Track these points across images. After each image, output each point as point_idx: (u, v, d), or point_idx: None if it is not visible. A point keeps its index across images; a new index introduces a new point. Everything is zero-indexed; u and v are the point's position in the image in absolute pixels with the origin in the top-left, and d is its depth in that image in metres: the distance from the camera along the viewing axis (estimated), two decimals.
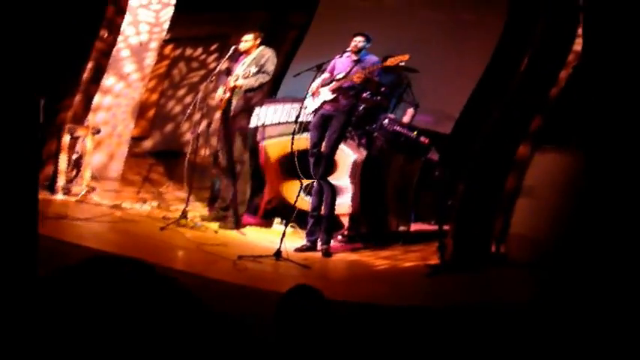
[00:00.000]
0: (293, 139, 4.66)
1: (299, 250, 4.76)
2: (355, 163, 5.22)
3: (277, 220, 5.64)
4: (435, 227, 4.97)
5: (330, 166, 5.03)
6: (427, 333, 3.14)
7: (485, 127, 4.68)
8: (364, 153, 5.27)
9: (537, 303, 3.64)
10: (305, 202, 5.11)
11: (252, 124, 5.50)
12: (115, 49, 5.68)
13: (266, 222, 5.65)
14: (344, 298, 3.49)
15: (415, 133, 5.30)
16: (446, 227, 4.61)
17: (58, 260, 2.96)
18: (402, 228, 5.30)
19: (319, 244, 4.84)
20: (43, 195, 4.83)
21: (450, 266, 4.29)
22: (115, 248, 3.85)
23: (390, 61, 4.72)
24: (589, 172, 4.23)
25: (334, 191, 4.96)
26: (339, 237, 5.19)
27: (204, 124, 6.24)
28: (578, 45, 4.52)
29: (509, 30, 5.61)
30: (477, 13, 6.20)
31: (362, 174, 5.21)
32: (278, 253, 4.30)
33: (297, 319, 2.13)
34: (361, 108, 5.18)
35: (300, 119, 4.88)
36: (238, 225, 5.15)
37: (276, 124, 5.72)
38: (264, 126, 5.72)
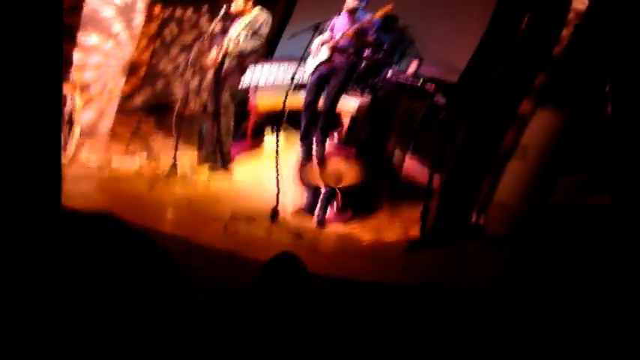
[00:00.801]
0: (287, 95, 4.52)
1: (297, 212, 4.66)
2: (361, 107, 5.12)
3: (267, 131, 5.52)
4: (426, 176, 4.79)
5: (331, 123, 4.95)
6: (401, 310, 3.18)
7: (491, 79, 4.58)
8: (369, 97, 5.19)
9: (498, 282, 3.65)
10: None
11: (245, 83, 5.41)
12: (90, 8, 5.51)
13: (256, 142, 5.57)
14: (325, 271, 3.47)
15: (421, 81, 5.24)
16: (434, 183, 4.54)
17: None
18: (397, 152, 5.09)
19: (316, 212, 4.77)
20: None
21: (428, 240, 4.33)
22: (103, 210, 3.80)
23: (377, 14, 4.68)
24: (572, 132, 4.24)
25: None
26: (334, 206, 5.08)
27: (196, 80, 6.16)
28: (578, 3, 4.40)
29: None
30: None
31: (366, 114, 5.15)
32: (274, 215, 4.24)
33: (275, 288, 2.14)
34: (362, 65, 5.10)
35: (296, 78, 4.73)
36: (226, 162, 5.10)
37: (270, 85, 5.62)
38: (257, 86, 5.61)
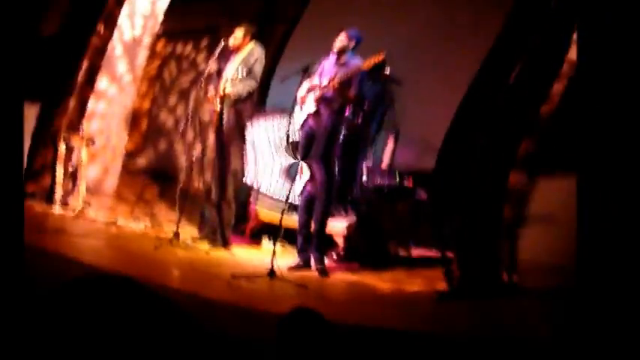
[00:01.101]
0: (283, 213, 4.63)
1: (293, 268, 4.67)
2: (349, 226, 5.23)
3: (265, 238, 5.62)
4: (437, 253, 4.84)
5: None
6: None
7: (472, 156, 4.44)
8: (354, 219, 5.24)
9: (554, 336, 3.49)
10: (292, 221, 5.07)
11: (247, 179, 5.51)
12: (109, 47, 5.52)
13: (254, 242, 5.69)
14: (346, 319, 3.42)
15: (397, 179, 5.25)
16: (449, 254, 4.44)
17: (58, 275, 3.03)
18: (402, 253, 5.23)
19: (313, 262, 4.76)
20: (41, 207, 4.88)
21: (460, 293, 4.15)
22: (112, 265, 3.88)
23: (366, 65, 4.49)
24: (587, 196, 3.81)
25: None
26: (334, 255, 5.14)
27: (198, 147, 6.23)
28: (574, 53, 4.15)
29: (504, 35, 5.13)
30: (475, 13, 5.80)
31: (357, 231, 5.22)
32: (272, 273, 4.28)
33: (299, 344, 2.14)
34: (342, 135, 4.97)
35: (290, 138, 4.91)
36: (226, 245, 5.16)
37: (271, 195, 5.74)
38: (258, 191, 5.75)
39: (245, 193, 5.75)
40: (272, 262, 4.31)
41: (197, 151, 5.82)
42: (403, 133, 5.51)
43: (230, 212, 5.19)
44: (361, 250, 5.17)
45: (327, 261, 4.87)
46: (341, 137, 4.97)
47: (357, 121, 5.05)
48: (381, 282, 4.63)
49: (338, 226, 5.17)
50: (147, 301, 1.93)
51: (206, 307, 3.60)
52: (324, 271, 4.69)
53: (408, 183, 5.20)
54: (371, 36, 5.11)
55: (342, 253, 5.20)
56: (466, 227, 4.35)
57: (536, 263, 4.25)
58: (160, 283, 3.66)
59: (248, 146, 5.45)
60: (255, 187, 5.71)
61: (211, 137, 5.30)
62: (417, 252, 5.32)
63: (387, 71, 5.23)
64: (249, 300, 3.82)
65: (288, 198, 4.71)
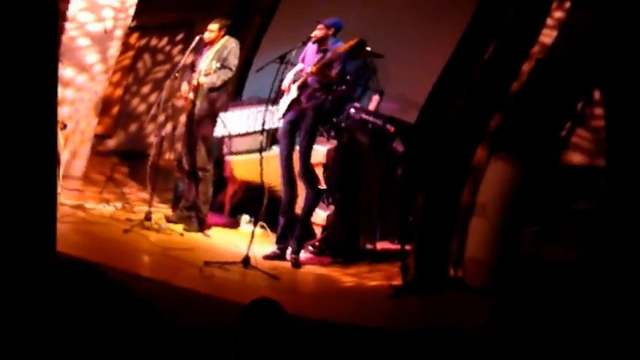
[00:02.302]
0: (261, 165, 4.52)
1: (267, 257, 4.64)
2: (328, 151, 5.20)
3: (245, 218, 5.54)
4: (399, 246, 4.93)
5: (312, 175, 4.89)
6: (387, 355, 3.16)
7: (446, 125, 4.54)
8: (334, 143, 5.26)
9: (490, 330, 3.65)
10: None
11: (218, 133, 5.39)
12: (67, 38, 5.47)
13: (233, 221, 5.58)
14: (309, 313, 3.46)
15: (381, 120, 5.30)
16: (408, 248, 4.58)
17: None
18: (368, 246, 5.31)
19: (289, 251, 4.74)
20: None
21: (412, 288, 4.30)
22: (79, 252, 3.75)
23: (341, 49, 4.61)
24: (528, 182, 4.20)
25: (318, 198, 4.84)
26: (310, 247, 5.10)
27: (169, 126, 6.14)
28: (544, 36, 4.33)
29: (481, 11, 5.36)
30: None
31: (334, 163, 5.20)
32: (246, 261, 4.23)
33: (258, 334, 2.13)
34: (328, 101, 4.94)
35: (267, 126, 4.80)
36: (202, 226, 5.06)
37: (244, 134, 5.62)
38: (230, 137, 5.61)
39: (217, 153, 5.55)
40: (248, 250, 4.25)
41: (168, 128, 5.74)
42: (387, 93, 5.59)
43: (206, 185, 5.05)
44: (338, 239, 5.17)
45: (303, 253, 4.85)
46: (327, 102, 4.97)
47: (342, 88, 5.10)
48: (346, 276, 4.68)
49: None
50: (108, 290, 1.90)
51: (176, 295, 3.55)
52: (297, 263, 4.69)
53: (390, 127, 5.25)
54: (353, 18, 5.20)
55: (317, 244, 5.19)
56: (428, 213, 4.43)
57: (476, 260, 4.39)
58: (128, 271, 3.59)
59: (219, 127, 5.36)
60: (225, 134, 5.54)
61: (183, 117, 5.22)
62: (382, 245, 5.40)
63: (368, 48, 5.31)
64: (220, 289, 3.76)
65: (264, 124, 4.65)
